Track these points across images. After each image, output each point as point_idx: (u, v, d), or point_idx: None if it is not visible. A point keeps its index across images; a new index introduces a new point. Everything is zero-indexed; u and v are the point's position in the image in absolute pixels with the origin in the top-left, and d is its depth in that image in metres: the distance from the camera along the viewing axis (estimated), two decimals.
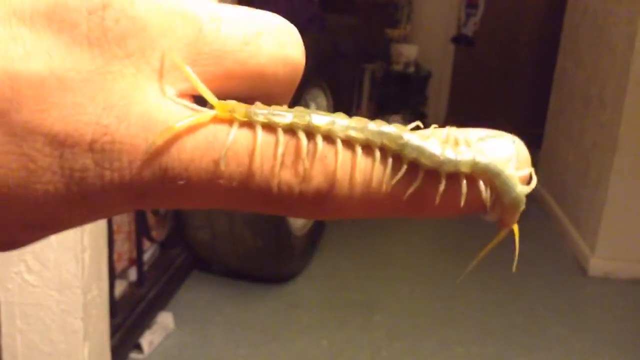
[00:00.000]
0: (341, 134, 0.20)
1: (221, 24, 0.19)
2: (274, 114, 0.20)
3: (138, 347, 1.67)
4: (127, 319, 1.63)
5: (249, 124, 0.19)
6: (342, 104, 2.55)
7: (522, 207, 0.22)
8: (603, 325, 2.04)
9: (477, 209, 0.21)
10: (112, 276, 1.53)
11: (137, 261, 1.78)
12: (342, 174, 0.20)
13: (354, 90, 3.40)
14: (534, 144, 4.10)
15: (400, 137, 0.20)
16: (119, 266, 1.75)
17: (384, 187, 0.20)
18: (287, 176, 0.19)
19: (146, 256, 1.87)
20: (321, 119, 0.20)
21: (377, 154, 0.20)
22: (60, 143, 0.17)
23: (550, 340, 1.91)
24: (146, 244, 1.88)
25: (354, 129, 0.20)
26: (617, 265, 2.39)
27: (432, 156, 0.20)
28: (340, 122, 0.20)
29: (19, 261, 1.25)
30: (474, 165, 0.20)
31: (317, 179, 0.20)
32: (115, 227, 1.64)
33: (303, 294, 2.10)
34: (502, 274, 2.38)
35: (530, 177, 0.22)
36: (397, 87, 4.86)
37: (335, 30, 2.50)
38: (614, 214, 2.37)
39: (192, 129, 0.19)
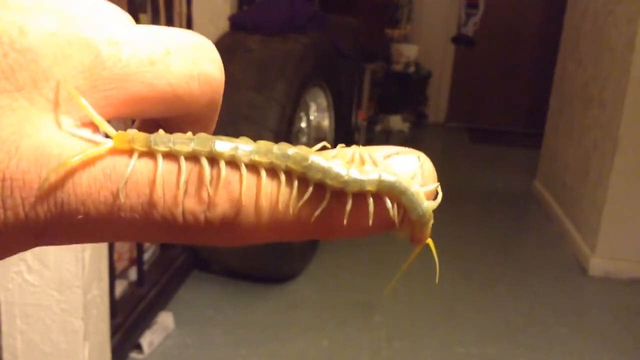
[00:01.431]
0: (245, 159, 0.19)
1: (121, 46, 0.18)
2: (175, 142, 0.19)
3: (138, 347, 1.67)
4: (127, 319, 1.63)
5: (149, 154, 0.19)
6: (342, 104, 2.55)
7: (431, 222, 0.21)
8: (603, 325, 2.04)
9: (386, 227, 0.21)
10: (113, 276, 1.53)
11: (138, 261, 1.78)
12: (248, 199, 0.19)
13: (354, 90, 3.40)
14: (534, 144, 4.10)
15: (305, 159, 0.20)
16: (119, 266, 1.75)
17: (291, 210, 0.20)
18: (191, 204, 0.19)
19: (146, 256, 1.88)
20: (224, 145, 0.20)
21: (282, 177, 0.20)
22: None
23: (551, 340, 1.91)
24: (146, 243, 1.88)
25: (258, 153, 0.20)
26: (617, 265, 2.39)
27: (337, 176, 0.20)
28: (244, 147, 0.20)
29: (19, 261, 1.25)
30: (380, 183, 0.20)
31: (223, 205, 0.19)
32: None
33: (303, 294, 2.10)
34: (502, 274, 2.38)
35: (437, 193, 0.21)
36: (397, 87, 4.86)
37: (335, 30, 2.50)
38: (614, 214, 2.37)
39: (88, 162, 0.18)
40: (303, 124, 2.30)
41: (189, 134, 0.20)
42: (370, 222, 0.20)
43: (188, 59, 0.20)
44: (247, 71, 1.89)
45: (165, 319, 1.79)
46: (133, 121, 0.21)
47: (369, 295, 2.13)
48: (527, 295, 2.21)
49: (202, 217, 0.19)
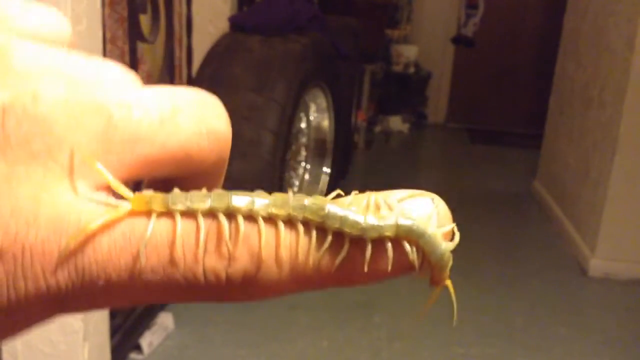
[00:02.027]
0: (263, 212, 0.20)
1: (132, 109, 0.18)
2: (193, 200, 0.19)
3: (138, 348, 1.67)
4: (127, 320, 1.63)
5: (167, 214, 0.19)
6: (342, 105, 2.55)
7: (450, 263, 0.21)
8: (603, 326, 2.04)
9: (405, 270, 0.21)
10: None
11: None
12: (268, 252, 0.19)
13: (354, 90, 3.40)
14: (534, 144, 4.10)
15: (322, 209, 0.20)
16: None
17: (311, 260, 0.20)
18: (211, 262, 0.19)
19: None
20: (241, 200, 0.19)
21: (301, 228, 0.20)
22: None
23: (551, 340, 1.91)
24: None
25: (275, 205, 0.20)
26: (617, 266, 2.39)
27: (355, 224, 0.20)
28: (260, 201, 0.20)
29: None
30: (397, 228, 0.20)
31: (243, 260, 0.19)
32: None
33: (303, 294, 2.10)
34: (502, 275, 2.38)
35: (453, 233, 0.21)
36: (397, 88, 4.86)
37: (335, 31, 2.50)
38: (614, 214, 2.37)
39: (107, 226, 0.18)
40: (303, 125, 2.30)
41: (204, 190, 0.20)
42: (390, 268, 0.20)
43: (196, 117, 0.20)
44: (247, 71, 1.89)
45: (165, 320, 1.79)
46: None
47: (369, 295, 2.13)
48: (526, 295, 2.21)
49: (223, 274, 0.19)
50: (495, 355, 1.82)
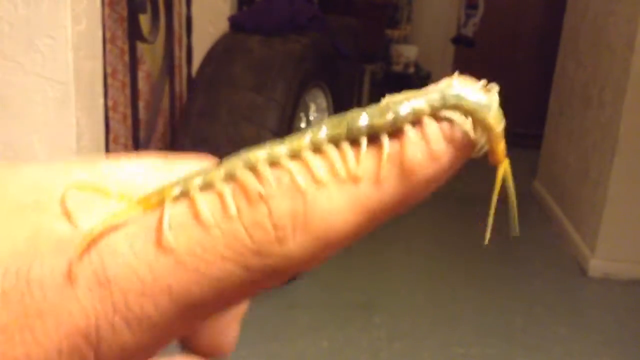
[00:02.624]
0: (284, 153, 0.17)
1: None
2: (207, 172, 0.17)
3: None
4: None
5: (181, 197, 0.17)
6: (342, 105, 2.55)
7: (502, 124, 0.19)
8: (603, 326, 2.04)
9: (463, 143, 0.18)
10: None
11: None
12: (304, 183, 0.16)
13: (354, 90, 3.40)
14: (534, 144, 4.11)
15: (347, 119, 0.17)
16: None
17: (355, 172, 0.17)
18: (249, 217, 0.16)
19: None
20: (258, 153, 0.17)
21: (329, 147, 0.17)
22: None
23: (550, 340, 1.91)
24: None
25: (293, 142, 0.17)
26: (617, 266, 2.38)
27: (380, 111, 0.17)
28: (278, 148, 0.17)
29: None
30: (428, 101, 0.17)
31: (283, 201, 0.16)
32: None
33: (303, 294, 2.10)
34: (501, 275, 2.38)
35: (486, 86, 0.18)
36: (397, 88, 4.84)
37: (335, 31, 2.50)
38: (614, 214, 2.37)
39: (114, 227, 0.16)
40: (303, 125, 2.30)
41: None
42: (443, 145, 0.17)
43: None
44: (247, 71, 1.89)
45: None
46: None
47: (369, 295, 2.12)
48: (526, 296, 2.21)
49: (268, 223, 0.16)
50: (495, 355, 1.81)
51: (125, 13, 1.66)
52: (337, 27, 2.67)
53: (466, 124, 0.17)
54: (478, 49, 5.31)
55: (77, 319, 0.15)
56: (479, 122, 0.18)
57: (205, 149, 1.92)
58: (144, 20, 1.71)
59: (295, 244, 0.16)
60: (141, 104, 1.83)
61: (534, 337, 1.92)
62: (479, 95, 0.18)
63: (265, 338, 1.81)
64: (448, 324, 1.98)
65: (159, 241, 0.16)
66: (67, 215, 0.17)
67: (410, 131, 0.17)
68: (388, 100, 0.17)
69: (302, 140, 0.17)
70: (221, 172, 0.17)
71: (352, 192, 0.17)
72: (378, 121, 0.17)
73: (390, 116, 0.17)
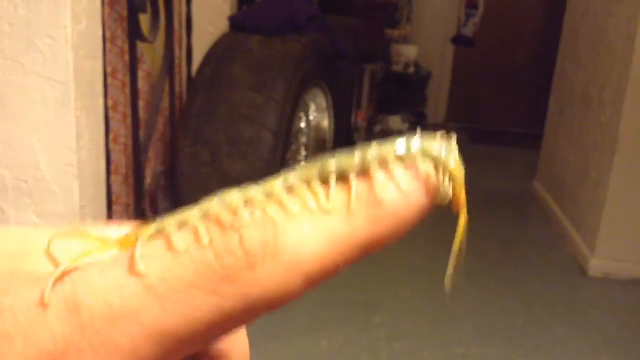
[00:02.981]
0: (259, 194, 0.18)
1: None
2: (183, 213, 0.17)
3: None
4: None
5: (159, 233, 0.17)
6: (342, 105, 2.55)
7: (462, 171, 0.19)
8: (603, 326, 2.04)
9: (429, 188, 0.18)
10: None
11: None
12: (278, 215, 0.17)
13: (354, 90, 3.40)
14: (533, 144, 4.11)
15: (318, 163, 0.18)
16: None
17: (325, 205, 0.17)
18: (220, 244, 0.16)
19: None
20: (232, 194, 0.18)
21: (301, 187, 0.18)
22: None
23: (550, 340, 1.91)
24: None
25: (266, 185, 0.18)
26: (617, 266, 2.39)
27: (348, 158, 0.18)
28: (253, 190, 0.18)
29: None
30: (403, 150, 0.18)
31: (254, 231, 0.17)
32: None
33: (302, 294, 2.10)
34: (501, 275, 2.38)
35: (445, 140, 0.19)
36: (397, 88, 4.86)
37: (335, 31, 2.50)
38: (614, 214, 2.37)
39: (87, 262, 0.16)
40: (303, 124, 2.30)
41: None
42: (408, 183, 0.18)
43: None
44: (246, 71, 1.89)
45: None
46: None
47: (369, 295, 2.12)
48: (526, 295, 2.21)
49: (237, 249, 0.16)
50: (495, 355, 1.81)
51: (125, 13, 1.66)
52: (337, 27, 2.67)
53: (430, 168, 0.18)
54: (478, 49, 5.31)
55: (45, 343, 0.15)
56: (441, 169, 0.19)
57: (205, 148, 1.92)
58: (144, 19, 1.71)
59: (266, 271, 0.17)
60: (141, 104, 1.83)
61: (534, 337, 1.92)
62: (441, 144, 0.19)
63: (265, 338, 1.81)
64: (448, 324, 1.98)
65: (131, 267, 0.16)
66: (52, 260, 0.17)
67: (377, 172, 0.18)
68: (358, 148, 0.18)
69: (276, 183, 0.18)
70: (196, 211, 0.17)
71: (322, 224, 0.17)
72: (347, 163, 0.18)
73: (358, 159, 0.18)
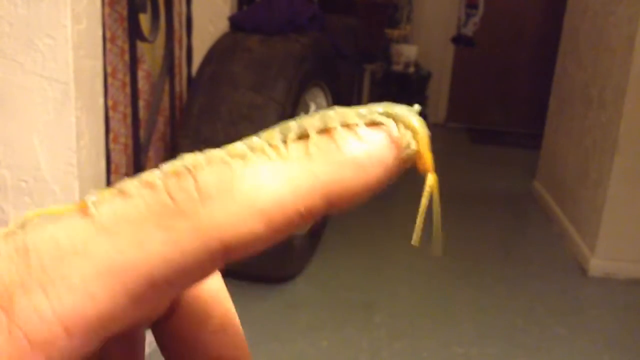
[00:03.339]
0: (221, 153, 0.17)
1: None
2: (146, 174, 0.17)
3: None
4: None
5: (120, 193, 0.17)
6: (342, 104, 2.55)
7: (426, 133, 0.19)
8: (603, 326, 2.04)
9: (394, 142, 0.18)
10: None
11: None
12: (236, 161, 0.17)
13: (354, 90, 3.40)
14: (533, 144, 4.11)
15: (279, 125, 0.18)
16: None
17: (284, 152, 0.17)
18: (174, 185, 0.16)
19: None
20: (197, 156, 0.17)
21: (262, 144, 0.17)
22: None
23: (551, 340, 1.91)
24: None
25: (228, 147, 0.17)
26: (617, 266, 2.38)
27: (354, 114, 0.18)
28: (216, 151, 0.17)
29: None
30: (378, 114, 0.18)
31: (210, 172, 0.16)
32: None
33: (303, 294, 2.10)
34: (501, 275, 2.38)
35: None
36: (397, 87, 4.86)
37: (335, 31, 2.50)
38: (614, 214, 2.37)
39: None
40: None
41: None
42: (368, 132, 0.17)
43: None
44: (247, 71, 1.89)
45: None
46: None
47: (369, 295, 2.12)
48: (526, 295, 2.21)
49: (192, 187, 0.16)
50: (495, 355, 1.81)
51: (125, 12, 1.66)
52: (337, 27, 2.67)
53: (391, 124, 0.18)
54: (478, 49, 5.31)
55: None
56: (402, 125, 0.18)
57: (205, 148, 1.91)
58: (144, 19, 1.71)
59: (220, 206, 0.16)
60: (141, 104, 1.83)
61: (534, 337, 1.92)
62: (403, 107, 0.19)
63: (265, 338, 1.81)
64: (448, 324, 1.98)
65: (82, 212, 0.16)
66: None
67: (338, 127, 0.18)
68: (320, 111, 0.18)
69: (238, 144, 0.17)
70: (157, 172, 0.17)
71: (280, 167, 0.16)
72: (308, 122, 0.18)
73: (319, 119, 0.18)
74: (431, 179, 0.19)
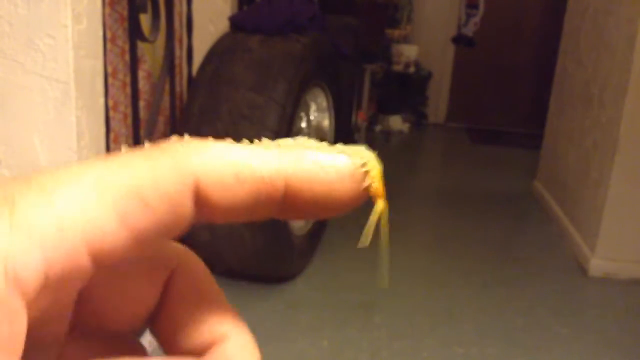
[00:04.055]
0: None
1: None
2: None
3: None
4: None
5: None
6: (342, 104, 2.54)
7: (377, 167, 0.20)
8: (603, 326, 2.04)
9: (350, 163, 0.19)
10: None
11: None
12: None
13: (354, 90, 3.40)
14: (534, 144, 4.10)
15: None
16: None
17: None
18: None
19: None
20: None
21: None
22: None
23: (551, 340, 1.91)
24: None
25: None
26: (617, 266, 2.39)
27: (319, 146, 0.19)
28: None
29: None
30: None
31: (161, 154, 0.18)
32: None
33: (303, 295, 2.10)
34: (501, 275, 2.38)
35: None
36: (397, 88, 4.86)
37: (335, 31, 2.50)
38: (614, 214, 2.37)
39: None
40: (303, 124, 2.30)
41: None
42: (328, 152, 0.19)
43: None
44: (247, 71, 1.89)
45: None
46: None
47: (369, 295, 2.12)
48: (526, 295, 2.21)
49: (175, 140, 0.18)
50: (495, 355, 1.81)
51: (125, 12, 1.66)
52: (337, 27, 2.67)
53: (349, 151, 0.19)
54: (478, 49, 5.31)
55: None
56: (358, 156, 0.19)
57: None
58: (145, 19, 1.71)
59: (198, 154, 0.17)
60: (142, 104, 1.83)
61: (534, 337, 1.92)
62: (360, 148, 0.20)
63: (265, 338, 1.81)
64: (448, 324, 1.98)
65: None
66: None
67: (307, 144, 0.19)
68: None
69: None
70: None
71: (252, 146, 0.18)
72: (283, 140, 0.19)
73: (291, 140, 0.19)
74: (380, 205, 0.20)
